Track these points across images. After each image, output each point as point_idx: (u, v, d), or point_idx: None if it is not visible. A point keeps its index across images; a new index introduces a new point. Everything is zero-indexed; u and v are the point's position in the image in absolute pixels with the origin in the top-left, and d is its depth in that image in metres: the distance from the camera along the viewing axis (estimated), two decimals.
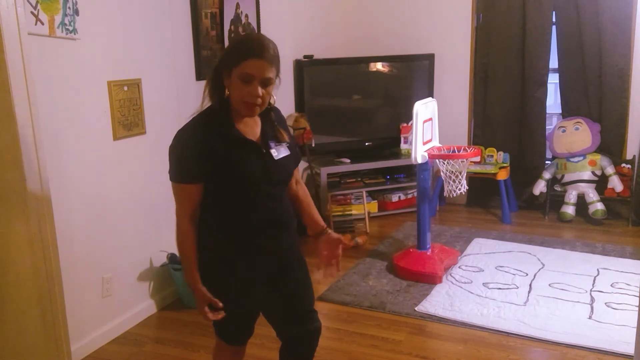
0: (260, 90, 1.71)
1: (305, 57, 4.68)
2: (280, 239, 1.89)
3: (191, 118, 1.81)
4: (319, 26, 5.01)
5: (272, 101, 1.82)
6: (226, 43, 3.73)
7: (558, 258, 3.81)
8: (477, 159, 4.72)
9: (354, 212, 4.70)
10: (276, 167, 1.83)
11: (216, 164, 1.73)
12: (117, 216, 2.99)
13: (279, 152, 1.85)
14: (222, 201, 1.79)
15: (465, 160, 3.57)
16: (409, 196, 4.93)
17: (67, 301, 2.57)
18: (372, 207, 4.81)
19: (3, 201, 2.37)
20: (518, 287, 3.38)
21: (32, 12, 2.43)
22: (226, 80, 1.75)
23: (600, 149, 4.58)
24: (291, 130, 2.02)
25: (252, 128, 1.83)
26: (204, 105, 1.83)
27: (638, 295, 3.17)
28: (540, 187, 4.72)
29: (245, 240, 1.82)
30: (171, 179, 1.78)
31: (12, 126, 2.29)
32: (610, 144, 4.61)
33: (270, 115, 1.89)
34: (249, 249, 1.83)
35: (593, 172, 4.53)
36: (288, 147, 1.89)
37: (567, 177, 4.61)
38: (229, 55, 1.75)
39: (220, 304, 1.79)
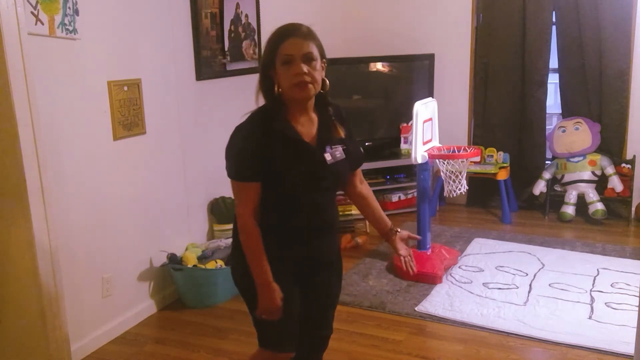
0: (304, 67, 1.68)
1: None
2: (322, 245, 1.86)
3: (248, 115, 1.77)
4: (319, 26, 4.93)
5: (326, 83, 1.78)
6: (226, 43, 3.73)
7: (558, 258, 3.81)
8: (477, 159, 4.71)
9: (354, 212, 4.69)
10: (329, 173, 1.78)
11: (265, 163, 1.70)
12: (117, 216, 2.98)
13: (334, 156, 1.80)
14: (266, 203, 1.75)
15: (465, 160, 3.57)
16: (409, 196, 4.92)
17: (67, 301, 2.58)
18: None
19: (3, 201, 2.38)
20: (518, 287, 3.38)
21: (32, 12, 2.43)
22: (275, 78, 1.73)
23: (600, 149, 4.58)
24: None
25: (309, 128, 1.78)
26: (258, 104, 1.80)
27: (638, 295, 3.17)
28: (540, 187, 4.72)
29: (285, 244, 1.79)
30: (230, 176, 1.75)
31: (12, 126, 2.30)
32: (610, 144, 4.61)
33: (328, 111, 1.83)
34: (289, 253, 1.79)
35: (593, 172, 4.53)
36: (344, 149, 1.83)
37: (567, 177, 4.61)
38: (267, 51, 1.73)
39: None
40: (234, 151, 1.74)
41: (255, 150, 1.69)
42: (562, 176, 4.64)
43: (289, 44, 1.69)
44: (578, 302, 3.18)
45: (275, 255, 1.77)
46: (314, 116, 1.81)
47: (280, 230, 1.78)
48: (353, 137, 1.91)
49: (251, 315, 1.87)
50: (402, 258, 1.95)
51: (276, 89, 1.73)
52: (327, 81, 1.78)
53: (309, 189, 1.76)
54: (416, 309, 3.17)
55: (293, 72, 1.68)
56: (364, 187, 2.01)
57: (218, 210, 3.67)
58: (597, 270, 3.60)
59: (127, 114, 2.98)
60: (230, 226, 2.03)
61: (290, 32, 1.71)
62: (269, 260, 1.75)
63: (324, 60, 1.77)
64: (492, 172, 4.64)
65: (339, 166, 1.81)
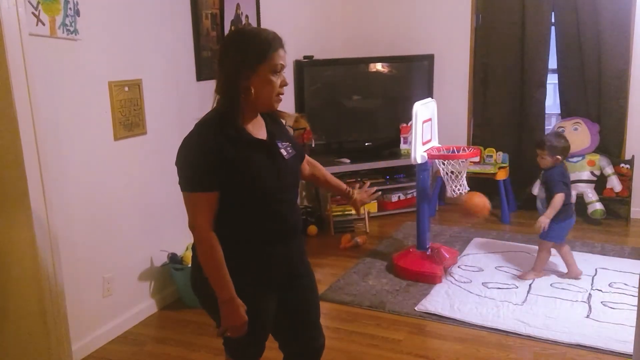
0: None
1: (305, 57, 4.69)
2: (292, 248, 1.83)
3: (196, 124, 1.73)
4: (319, 27, 5.02)
5: None
6: None
7: (557, 258, 3.81)
8: (477, 159, 4.73)
9: (353, 212, 4.70)
10: (288, 169, 1.79)
11: (230, 170, 1.65)
12: (118, 216, 3.00)
13: (288, 152, 1.82)
14: (233, 209, 1.70)
15: (464, 160, 3.58)
16: (409, 196, 4.94)
17: (68, 301, 2.59)
18: (372, 207, 4.82)
19: (5, 201, 2.39)
20: (517, 287, 3.39)
21: (33, 13, 2.44)
22: (245, 81, 1.67)
23: (599, 149, 4.59)
24: (290, 131, 2.03)
25: (259, 129, 1.79)
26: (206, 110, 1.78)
27: (637, 295, 3.18)
28: (539, 187, 4.71)
29: (256, 250, 1.75)
30: (185, 189, 1.68)
31: (14, 126, 2.31)
32: (609, 144, 4.62)
33: (273, 115, 1.85)
34: (261, 260, 1.76)
35: (592, 172, 4.54)
36: (292, 146, 1.86)
37: None
38: (250, 54, 1.66)
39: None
40: (189, 162, 1.68)
41: (212, 158, 1.63)
42: None
43: (281, 54, 1.69)
44: (576, 301, 3.20)
45: (242, 266, 1.72)
46: (261, 118, 1.82)
47: (247, 239, 1.74)
48: (293, 137, 1.98)
49: (218, 329, 1.82)
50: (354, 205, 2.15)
51: (253, 93, 1.68)
52: None
53: (273, 190, 1.74)
54: (416, 308, 3.18)
55: (282, 83, 1.72)
56: (311, 167, 2.08)
57: None
58: (596, 270, 3.62)
59: (128, 114, 2.99)
60: None
61: (279, 42, 1.70)
62: (237, 273, 1.69)
63: None
64: (492, 172, 4.66)
65: (293, 161, 1.85)
